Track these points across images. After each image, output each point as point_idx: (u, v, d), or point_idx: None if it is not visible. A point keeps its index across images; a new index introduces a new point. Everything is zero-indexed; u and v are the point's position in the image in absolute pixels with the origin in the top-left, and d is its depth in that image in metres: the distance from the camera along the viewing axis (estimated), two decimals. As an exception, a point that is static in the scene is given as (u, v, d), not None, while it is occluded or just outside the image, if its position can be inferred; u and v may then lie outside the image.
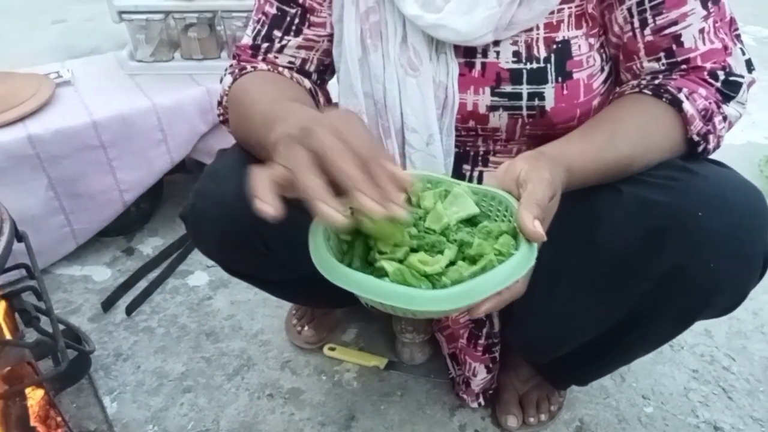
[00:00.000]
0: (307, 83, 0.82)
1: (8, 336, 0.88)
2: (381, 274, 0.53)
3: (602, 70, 0.76)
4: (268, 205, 0.48)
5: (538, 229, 0.53)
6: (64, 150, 1.27)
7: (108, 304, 1.29)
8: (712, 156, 0.74)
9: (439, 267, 0.53)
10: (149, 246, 1.49)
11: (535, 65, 0.73)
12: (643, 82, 0.73)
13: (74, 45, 2.63)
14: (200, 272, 1.40)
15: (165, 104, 1.35)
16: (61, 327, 0.94)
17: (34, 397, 0.93)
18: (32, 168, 1.25)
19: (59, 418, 0.92)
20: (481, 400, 1.05)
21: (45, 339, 0.89)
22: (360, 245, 0.57)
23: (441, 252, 0.55)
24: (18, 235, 0.91)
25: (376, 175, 0.49)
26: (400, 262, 0.54)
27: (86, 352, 1.00)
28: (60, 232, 1.35)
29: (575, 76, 0.73)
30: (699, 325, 1.13)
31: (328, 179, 0.49)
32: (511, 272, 0.51)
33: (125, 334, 1.23)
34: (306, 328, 1.19)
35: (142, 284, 1.35)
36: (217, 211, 0.74)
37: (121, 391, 1.10)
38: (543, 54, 0.73)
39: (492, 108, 0.75)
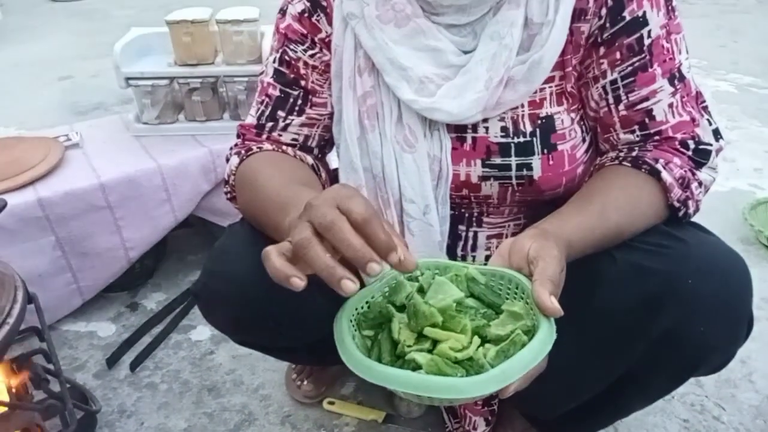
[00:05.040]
0: (310, 159, 0.87)
1: (19, 398, 0.92)
2: (412, 366, 0.55)
3: (584, 140, 0.82)
4: (296, 278, 0.52)
5: (555, 304, 0.57)
6: (73, 211, 1.32)
7: (112, 361, 1.32)
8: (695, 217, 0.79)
9: (471, 352, 0.55)
10: (153, 301, 1.52)
11: (522, 139, 0.78)
12: (621, 154, 0.79)
13: (80, 101, 2.73)
14: (202, 327, 1.43)
15: (170, 165, 1.41)
16: (68, 386, 0.98)
17: (41, 457, 0.95)
18: (41, 228, 1.30)
19: (66, 479, 0.95)
20: (478, 452, 1.07)
21: (54, 401, 0.93)
22: (386, 340, 0.60)
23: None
24: (29, 298, 0.95)
25: (372, 234, 0.52)
26: (429, 351, 0.56)
27: (93, 411, 1.03)
28: (67, 289, 1.39)
29: (560, 147, 0.79)
30: (688, 375, 1.16)
31: (332, 248, 0.53)
32: (540, 347, 0.54)
33: (129, 390, 1.26)
34: (305, 382, 1.21)
35: (146, 339, 1.38)
36: (229, 292, 0.77)
37: (125, 449, 1.13)
38: (529, 129, 0.78)
39: (483, 178, 0.80)
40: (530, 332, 0.58)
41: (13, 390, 0.92)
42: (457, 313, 0.60)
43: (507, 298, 0.64)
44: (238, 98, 1.50)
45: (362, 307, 0.63)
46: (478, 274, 0.65)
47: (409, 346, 0.58)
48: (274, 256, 0.54)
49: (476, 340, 0.57)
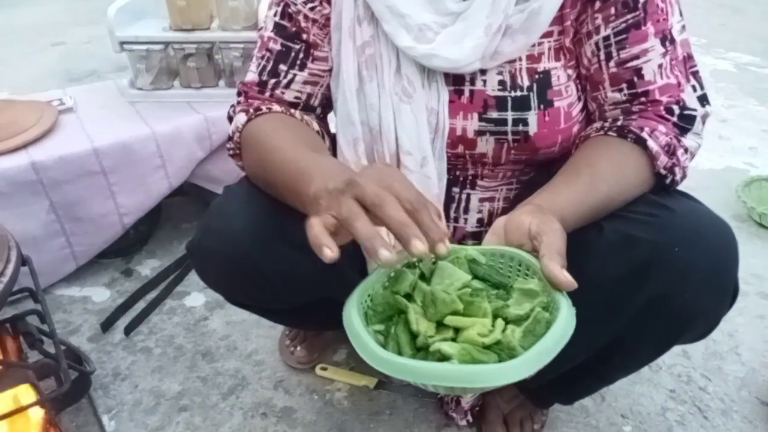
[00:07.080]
0: (315, 125, 0.86)
1: (13, 358, 0.92)
2: (438, 357, 0.53)
3: (579, 99, 0.83)
4: (328, 249, 0.53)
5: (568, 278, 0.57)
6: (66, 176, 1.31)
7: (107, 325, 1.33)
8: (682, 186, 0.79)
9: (498, 335, 0.54)
10: (147, 267, 1.53)
11: (518, 93, 0.79)
12: (606, 124, 0.79)
13: (73, 67, 2.70)
14: (197, 293, 1.44)
15: (164, 131, 1.40)
16: (62, 348, 0.98)
17: (36, 416, 0.97)
18: (34, 192, 1.30)
19: (60, 437, 0.96)
20: (469, 417, 1.09)
21: (48, 361, 0.93)
22: (403, 332, 0.57)
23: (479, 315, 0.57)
24: (22, 260, 0.96)
25: (422, 222, 0.54)
26: (453, 340, 0.54)
27: (87, 372, 1.04)
28: (60, 253, 1.39)
29: (556, 104, 0.79)
30: (677, 347, 1.18)
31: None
32: (568, 323, 0.54)
33: (123, 354, 1.27)
34: (298, 348, 1.23)
35: (140, 305, 1.39)
36: (223, 249, 0.77)
37: (119, 410, 1.14)
38: (526, 83, 0.79)
39: (479, 133, 0.81)
40: (547, 308, 0.57)
41: (7, 350, 0.93)
42: (471, 296, 0.58)
43: (509, 276, 0.63)
44: (234, 65, 1.49)
45: (366, 301, 0.61)
46: (478, 254, 0.63)
47: (431, 337, 0.56)
48: (317, 226, 0.55)
49: (500, 322, 0.56)
